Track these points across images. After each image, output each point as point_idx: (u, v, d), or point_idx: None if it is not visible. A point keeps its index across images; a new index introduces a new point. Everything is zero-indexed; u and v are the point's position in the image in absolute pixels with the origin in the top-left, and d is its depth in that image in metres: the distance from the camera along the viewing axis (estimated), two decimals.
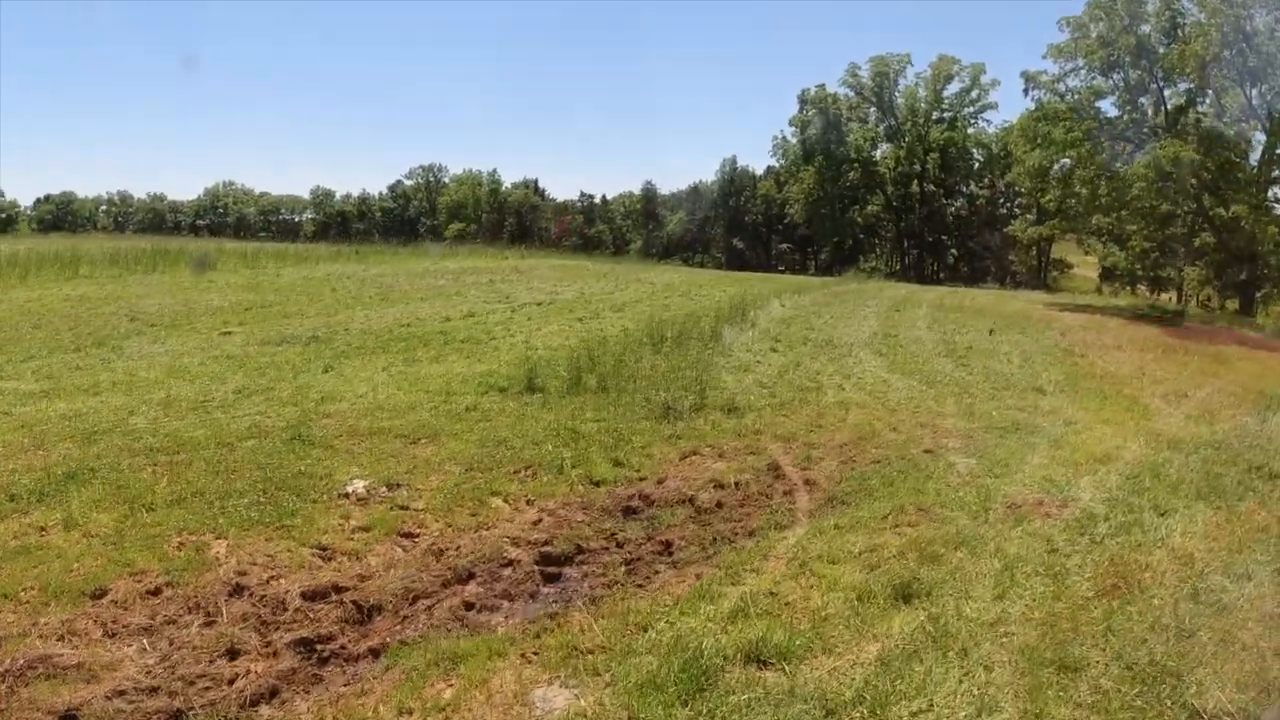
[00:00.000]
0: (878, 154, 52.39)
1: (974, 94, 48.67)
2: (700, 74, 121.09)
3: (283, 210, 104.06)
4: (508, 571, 4.87)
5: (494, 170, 78.58)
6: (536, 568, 4.89)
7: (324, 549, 5.27)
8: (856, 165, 51.16)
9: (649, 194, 63.17)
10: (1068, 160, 25.36)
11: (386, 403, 8.74)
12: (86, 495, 5.85)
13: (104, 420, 7.82)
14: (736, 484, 6.24)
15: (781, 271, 50.19)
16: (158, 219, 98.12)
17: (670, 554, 4.97)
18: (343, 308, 16.49)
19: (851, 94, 51.49)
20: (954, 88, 49.14)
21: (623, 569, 4.79)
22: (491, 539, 5.26)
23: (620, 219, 64.13)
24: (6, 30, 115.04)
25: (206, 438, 7.34)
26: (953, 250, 52.65)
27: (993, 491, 5.95)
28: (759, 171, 62.16)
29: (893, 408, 8.94)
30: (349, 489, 6.19)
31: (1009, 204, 51.11)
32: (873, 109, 51.45)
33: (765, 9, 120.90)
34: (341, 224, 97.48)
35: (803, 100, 52.27)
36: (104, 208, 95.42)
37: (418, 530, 5.52)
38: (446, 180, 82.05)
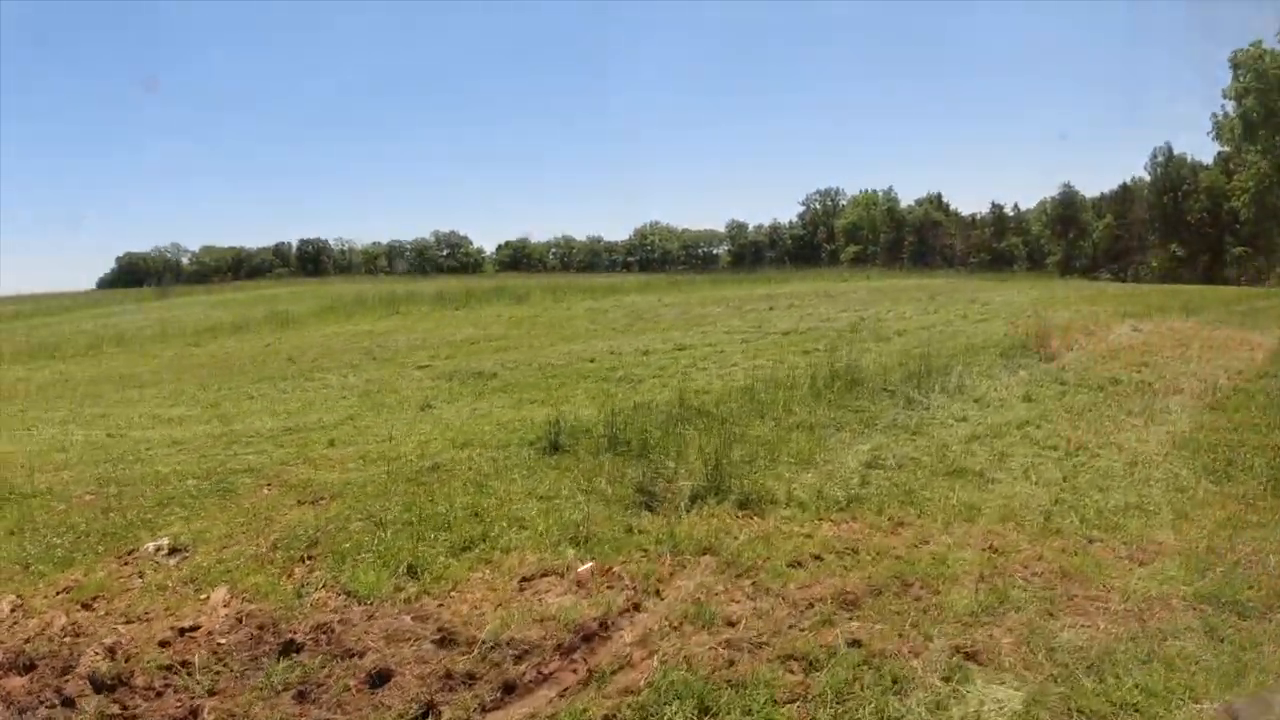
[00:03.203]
0: None
1: None
2: (1122, 49, 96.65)
3: (700, 244, 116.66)
4: None
5: (889, 188, 77.35)
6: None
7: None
8: None
9: (1068, 199, 53.97)
10: None
11: (381, 452, 8.23)
12: None
13: (139, 449, 8.88)
14: (471, 642, 4.06)
15: (1243, 283, 38.58)
16: (594, 258, 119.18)
17: None
18: (564, 341, 16.97)
19: None
20: None
21: None
22: (75, 643, 4.41)
23: (1037, 230, 55.26)
24: (481, 107, 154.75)
25: (159, 474, 7.70)
26: None
27: None
28: (1206, 160, 50.98)
29: (1056, 528, 5.07)
30: (144, 546, 5.89)
31: None
32: None
33: None
34: (755, 253, 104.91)
35: (1235, 64, 41.47)
36: (552, 250, 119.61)
37: (92, 602, 4.97)
38: (844, 203, 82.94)
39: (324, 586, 5.02)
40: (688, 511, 5.91)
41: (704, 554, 5.05)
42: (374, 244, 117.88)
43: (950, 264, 50.11)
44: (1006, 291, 22.56)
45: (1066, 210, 54.26)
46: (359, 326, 20.86)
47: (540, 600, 4.62)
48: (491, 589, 4.81)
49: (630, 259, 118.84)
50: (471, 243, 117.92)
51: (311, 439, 8.98)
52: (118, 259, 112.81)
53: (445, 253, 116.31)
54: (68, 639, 4.61)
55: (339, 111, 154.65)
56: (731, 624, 4.15)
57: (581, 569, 4.96)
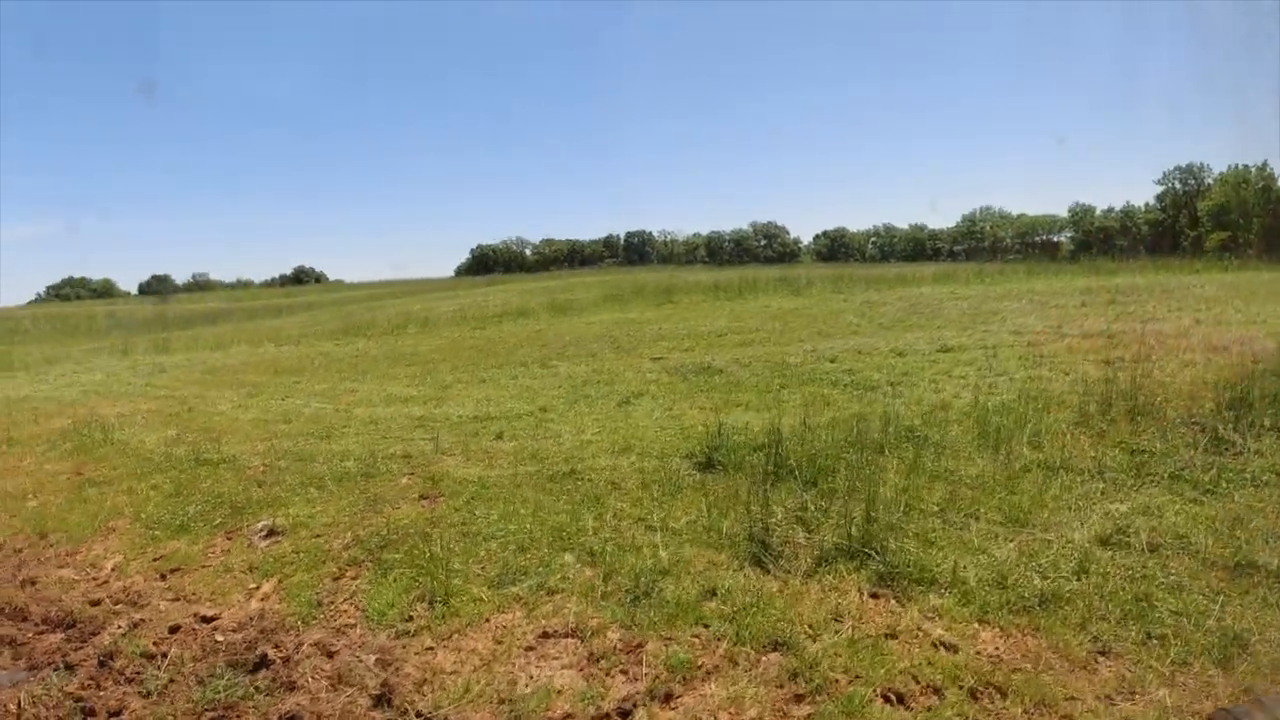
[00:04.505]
0: None
1: None
2: None
3: (1038, 231, 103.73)
4: None
5: (1264, 163, 61.75)
6: None
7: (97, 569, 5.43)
8: None
9: None
10: None
11: (536, 450, 7.73)
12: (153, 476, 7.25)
13: (338, 426, 9.35)
14: (404, 711, 3.16)
15: None
16: (918, 247, 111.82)
17: None
18: (817, 336, 15.36)
19: None
20: None
21: None
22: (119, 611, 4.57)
23: None
24: (799, 95, 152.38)
25: (329, 451, 7.90)
26: None
27: None
28: None
29: None
30: (251, 525, 5.92)
31: None
32: None
33: None
34: (1103, 240, 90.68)
35: None
36: (872, 240, 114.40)
37: (169, 574, 5.13)
38: (1210, 181, 68.00)
39: (349, 598, 4.55)
40: (808, 576, 4.47)
41: (772, 650, 3.66)
42: (694, 235, 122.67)
43: None
44: None
45: None
46: (625, 315, 21.14)
47: (532, 671, 3.64)
48: (497, 640, 3.93)
49: (957, 248, 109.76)
50: (789, 233, 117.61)
51: (486, 429, 8.80)
52: (471, 250, 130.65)
53: (762, 243, 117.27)
54: (119, 605, 4.77)
55: (667, 110, 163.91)
56: None
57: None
